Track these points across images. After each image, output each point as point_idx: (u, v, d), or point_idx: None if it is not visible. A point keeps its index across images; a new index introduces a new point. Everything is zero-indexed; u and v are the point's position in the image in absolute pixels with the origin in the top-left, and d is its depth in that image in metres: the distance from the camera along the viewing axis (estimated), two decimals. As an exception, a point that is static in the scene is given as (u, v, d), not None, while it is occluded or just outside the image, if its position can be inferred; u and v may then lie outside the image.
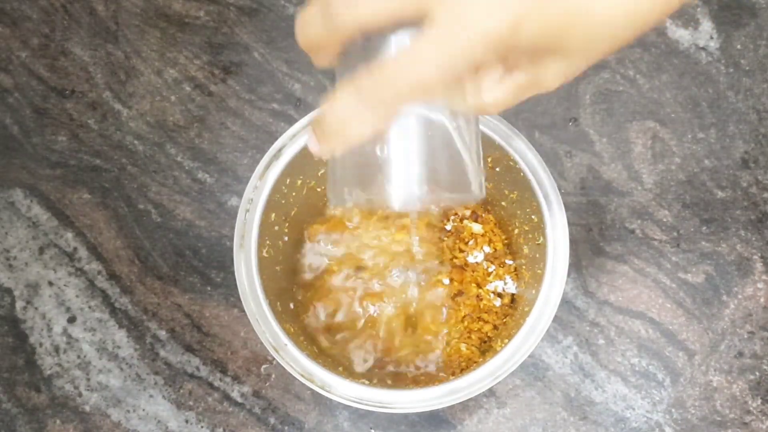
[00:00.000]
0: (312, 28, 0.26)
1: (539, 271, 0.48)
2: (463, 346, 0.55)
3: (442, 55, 0.24)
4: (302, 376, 0.46)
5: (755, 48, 0.67)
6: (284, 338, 0.46)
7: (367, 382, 0.46)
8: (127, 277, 0.62)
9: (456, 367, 0.54)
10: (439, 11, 0.24)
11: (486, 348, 0.55)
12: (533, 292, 0.48)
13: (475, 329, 0.55)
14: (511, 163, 0.50)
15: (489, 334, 0.55)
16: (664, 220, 0.62)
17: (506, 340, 0.47)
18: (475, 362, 0.53)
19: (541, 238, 0.49)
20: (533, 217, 0.50)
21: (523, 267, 0.54)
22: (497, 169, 0.52)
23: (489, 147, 0.50)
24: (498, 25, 0.24)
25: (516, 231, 0.55)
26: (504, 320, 0.55)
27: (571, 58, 0.27)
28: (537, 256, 0.50)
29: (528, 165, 0.49)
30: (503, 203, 0.55)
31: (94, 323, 0.61)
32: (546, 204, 0.48)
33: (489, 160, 0.52)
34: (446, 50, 0.24)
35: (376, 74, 0.25)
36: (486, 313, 0.56)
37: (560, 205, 0.48)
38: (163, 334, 0.60)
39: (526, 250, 0.53)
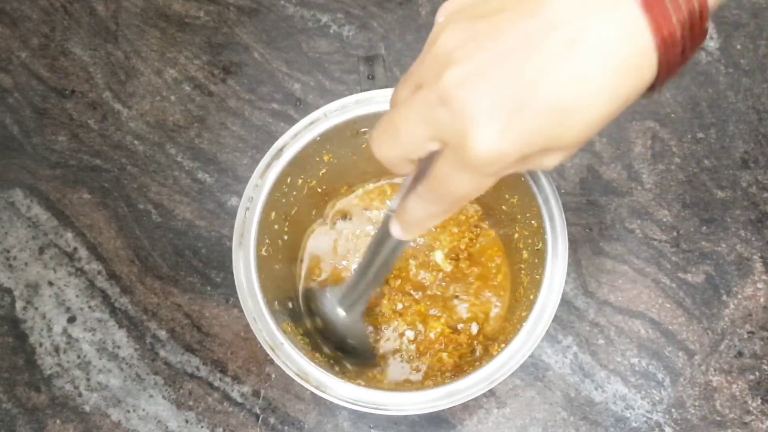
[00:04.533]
0: (385, 153, 0.32)
1: (537, 277, 0.48)
2: (444, 356, 0.55)
3: (459, 182, 0.31)
4: (298, 375, 0.46)
5: (755, 48, 0.67)
6: (281, 337, 0.46)
7: (363, 383, 0.46)
8: (127, 277, 0.62)
9: (438, 375, 0.54)
10: (450, 146, 0.30)
11: (473, 358, 0.55)
12: (531, 297, 0.48)
13: (453, 341, 0.56)
14: None
15: (468, 348, 0.56)
16: (664, 220, 0.62)
17: (503, 345, 0.47)
18: (463, 370, 0.53)
19: (540, 244, 0.49)
20: (533, 222, 0.50)
21: (522, 272, 0.54)
22: None
23: None
24: (496, 158, 0.29)
25: (516, 235, 0.55)
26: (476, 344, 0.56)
27: (566, 151, 0.30)
28: (536, 261, 0.50)
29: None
30: (503, 207, 0.55)
31: (94, 323, 0.61)
32: (546, 209, 0.48)
33: None
34: (460, 179, 0.30)
35: (425, 188, 0.33)
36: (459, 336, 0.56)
37: (560, 210, 0.48)
38: (163, 334, 0.60)
39: (525, 254, 0.53)
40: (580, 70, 0.27)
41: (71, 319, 0.61)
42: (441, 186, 0.32)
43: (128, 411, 0.59)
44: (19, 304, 0.61)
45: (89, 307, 0.61)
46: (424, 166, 0.34)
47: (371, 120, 0.51)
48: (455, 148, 0.29)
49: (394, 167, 0.33)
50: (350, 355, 0.54)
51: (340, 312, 0.53)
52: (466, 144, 0.28)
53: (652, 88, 0.30)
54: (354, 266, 0.58)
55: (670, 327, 0.59)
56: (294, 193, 0.53)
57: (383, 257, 0.45)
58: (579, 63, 0.27)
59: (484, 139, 0.28)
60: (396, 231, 0.38)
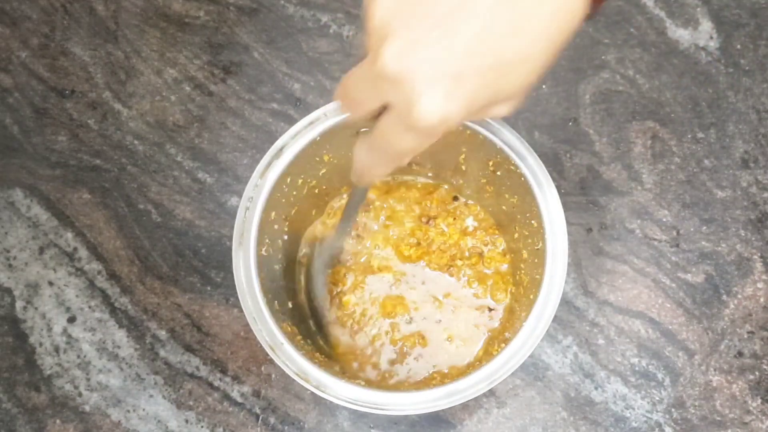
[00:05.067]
0: (344, 110, 0.34)
1: (537, 277, 0.48)
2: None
3: (403, 141, 0.31)
4: (298, 375, 0.46)
5: (755, 48, 0.67)
6: (281, 337, 0.46)
7: (363, 383, 0.46)
8: (127, 277, 0.62)
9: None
10: (396, 104, 0.30)
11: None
12: (531, 297, 0.48)
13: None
14: (512, 168, 0.50)
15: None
16: (664, 220, 0.62)
17: (503, 345, 0.47)
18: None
19: (540, 244, 0.49)
20: (533, 222, 0.50)
21: (522, 271, 0.54)
22: (498, 173, 0.52)
23: (490, 150, 0.50)
24: (442, 122, 0.29)
25: (516, 235, 0.55)
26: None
27: (514, 100, 0.31)
28: (536, 261, 0.50)
29: (529, 170, 0.49)
30: (503, 207, 0.55)
31: (94, 323, 0.61)
32: (546, 209, 0.48)
33: (490, 164, 0.52)
34: (404, 138, 0.31)
35: (371, 145, 0.35)
36: None
37: (560, 210, 0.48)
38: (163, 334, 0.60)
39: (525, 254, 0.53)
40: (515, 23, 0.27)
41: (71, 319, 0.61)
42: (385, 142, 0.33)
43: (128, 411, 0.59)
44: (19, 304, 0.62)
45: (89, 307, 0.61)
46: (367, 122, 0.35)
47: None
48: (400, 112, 0.30)
49: (352, 119, 0.34)
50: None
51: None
52: (410, 111, 0.29)
53: (588, 17, 0.30)
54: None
55: (670, 327, 0.59)
56: (294, 192, 0.53)
57: (354, 201, 0.48)
58: (513, 17, 0.27)
59: (429, 106, 0.28)
60: (352, 176, 0.39)
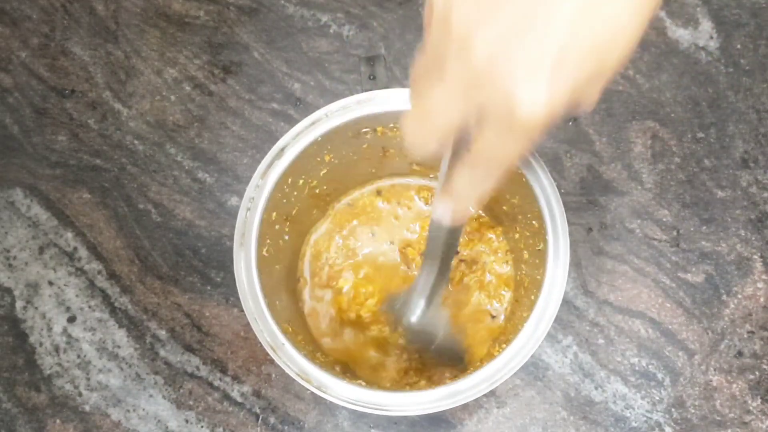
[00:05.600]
0: (423, 140, 0.32)
1: (539, 278, 0.48)
2: None
3: (508, 146, 0.30)
4: (299, 376, 0.45)
5: (755, 48, 0.67)
6: (282, 337, 0.46)
7: (363, 383, 0.46)
8: (127, 277, 0.62)
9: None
10: (494, 114, 0.28)
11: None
12: (532, 297, 0.48)
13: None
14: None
15: None
16: (664, 219, 0.62)
17: (504, 345, 0.47)
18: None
19: (542, 244, 0.49)
20: (534, 222, 0.50)
21: (523, 273, 0.54)
22: None
23: None
24: (549, 112, 0.28)
25: (517, 236, 0.55)
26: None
27: (609, 77, 0.29)
28: (537, 261, 0.50)
29: (529, 170, 0.49)
30: (504, 207, 0.55)
31: (94, 323, 0.61)
32: (547, 209, 0.48)
33: None
34: (509, 142, 0.29)
35: (473, 162, 0.32)
36: None
37: (561, 210, 0.48)
38: (163, 333, 0.60)
39: (526, 255, 0.53)
40: (615, 3, 0.26)
41: (71, 319, 0.61)
42: (491, 154, 0.30)
43: (128, 411, 0.59)
44: (19, 304, 0.61)
45: (89, 306, 0.61)
46: (458, 145, 0.33)
47: (373, 120, 0.51)
48: (501, 115, 0.28)
49: (432, 153, 0.32)
50: (440, 357, 0.54)
51: (413, 317, 0.53)
52: (513, 109, 0.27)
53: None
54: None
55: (670, 327, 0.59)
56: (295, 193, 0.53)
57: (445, 247, 0.45)
58: None
59: (532, 98, 0.27)
60: (446, 217, 0.37)
